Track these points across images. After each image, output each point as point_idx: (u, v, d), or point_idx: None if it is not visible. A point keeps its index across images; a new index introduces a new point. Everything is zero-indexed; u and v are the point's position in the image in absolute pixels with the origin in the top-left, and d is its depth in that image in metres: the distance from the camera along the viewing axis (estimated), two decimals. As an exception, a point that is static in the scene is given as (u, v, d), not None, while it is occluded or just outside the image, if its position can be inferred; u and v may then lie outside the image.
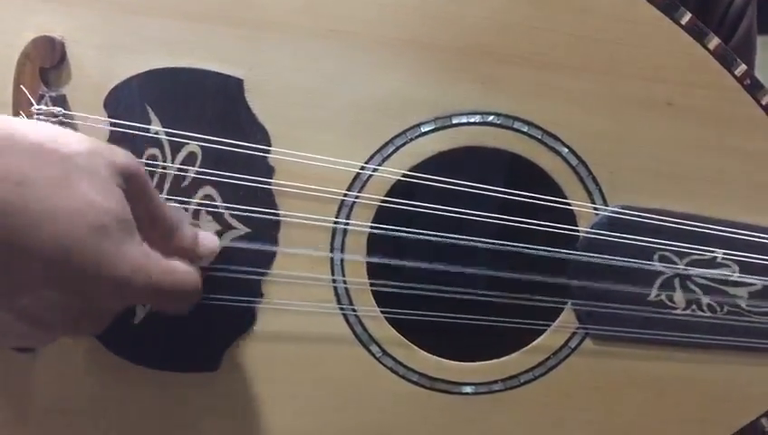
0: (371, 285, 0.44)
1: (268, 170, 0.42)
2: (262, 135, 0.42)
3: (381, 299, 0.44)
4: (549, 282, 0.44)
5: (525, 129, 0.43)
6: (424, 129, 0.43)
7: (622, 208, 0.44)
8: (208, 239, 0.41)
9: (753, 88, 0.43)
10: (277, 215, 0.43)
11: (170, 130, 0.41)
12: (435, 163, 0.44)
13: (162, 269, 0.36)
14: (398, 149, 0.43)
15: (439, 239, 0.43)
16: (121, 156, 0.35)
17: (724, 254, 0.44)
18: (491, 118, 0.43)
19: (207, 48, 0.42)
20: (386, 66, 0.42)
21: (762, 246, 0.44)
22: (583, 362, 0.45)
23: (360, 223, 0.43)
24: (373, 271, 0.44)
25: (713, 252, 0.44)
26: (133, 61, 0.41)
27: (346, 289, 0.44)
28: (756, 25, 0.68)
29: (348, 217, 0.43)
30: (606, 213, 0.44)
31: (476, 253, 0.45)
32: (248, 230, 0.43)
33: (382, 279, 0.44)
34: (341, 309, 0.44)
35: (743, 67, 0.43)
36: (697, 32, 0.43)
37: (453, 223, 0.44)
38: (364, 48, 0.42)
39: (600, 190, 0.44)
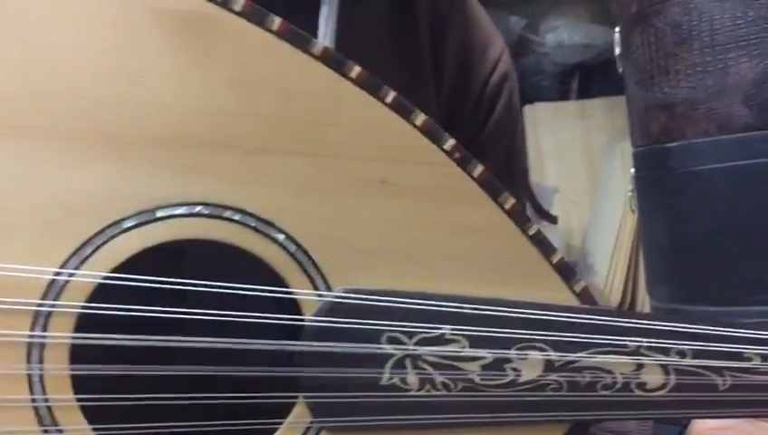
0: (78, 400, 0.40)
1: (-54, 286, 0.38)
2: (-64, 246, 0.38)
3: (96, 413, 0.41)
4: (276, 376, 0.42)
5: (237, 217, 0.41)
6: (126, 225, 0.40)
7: (346, 292, 0.42)
8: None
9: (464, 161, 0.44)
10: (-39, 334, 0.38)
11: None
12: (148, 260, 0.41)
13: None
14: (98, 248, 0.40)
15: (154, 343, 0.40)
16: None
17: (452, 329, 0.43)
18: (198, 208, 0.41)
19: None
20: (77, 162, 0.39)
21: (488, 318, 0.44)
22: (321, 458, 0.43)
23: (59, 334, 0.39)
24: (87, 384, 0.41)
25: (440, 328, 0.43)
26: None
27: (48, 408, 0.39)
28: (519, 98, 0.70)
29: (44, 329, 0.39)
30: (329, 298, 0.42)
31: (197, 352, 0.42)
32: (-72, 354, 0.38)
33: (100, 389, 0.41)
34: (45, 432, 0.39)
35: (451, 141, 0.44)
36: (403, 109, 0.43)
37: (172, 322, 0.41)
38: (49, 144, 0.39)
39: (322, 275, 0.42)
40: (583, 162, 2.82)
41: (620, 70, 1.45)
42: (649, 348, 0.45)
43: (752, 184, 1.29)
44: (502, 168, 0.67)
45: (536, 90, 2.94)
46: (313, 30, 0.54)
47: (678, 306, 1.43)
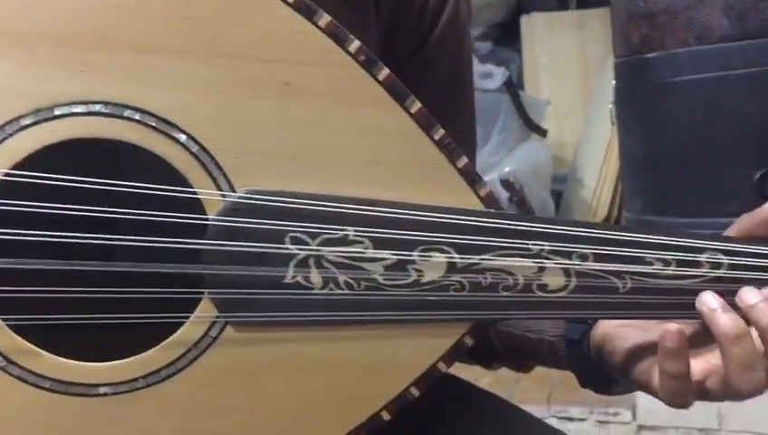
0: (-15, 292, 0.41)
1: None
2: None
3: (6, 304, 0.42)
4: (182, 273, 0.43)
5: (138, 117, 0.42)
6: (24, 122, 0.41)
7: (248, 193, 0.43)
8: None
9: (369, 63, 0.43)
10: None
11: None
12: (48, 158, 0.42)
13: None
14: (-3, 145, 0.41)
15: (56, 240, 0.41)
16: None
17: (356, 231, 0.44)
18: (98, 107, 0.41)
19: None
20: (-29, 59, 0.40)
21: (392, 220, 0.44)
22: (226, 351, 0.44)
23: (-38, 227, 0.40)
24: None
25: (344, 230, 0.44)
26: None
27: (-44, 299, 0.41)
28: (467, 10, 0.68)
29: (-52, 222, 0.40)
30: (232, 199, 0.43)
31: (105, 249, 0.43)
32: None
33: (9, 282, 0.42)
34: (-45, 322, 0.41)
35: (356, 43, 0.43)
36: (306, 10, 0.42)
37: (76, 220, 0.42)
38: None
39: (226, 176, 0.43)
40: (578, 75, 2.77)
41: (608, -21, 1.41)
42: (551, 251, 0.45)
43: (727, 95, 1.29)
44: (448, 80, 0.66)
45: (534, -1, 2.85)
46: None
47: (651, 218, 1.44)
